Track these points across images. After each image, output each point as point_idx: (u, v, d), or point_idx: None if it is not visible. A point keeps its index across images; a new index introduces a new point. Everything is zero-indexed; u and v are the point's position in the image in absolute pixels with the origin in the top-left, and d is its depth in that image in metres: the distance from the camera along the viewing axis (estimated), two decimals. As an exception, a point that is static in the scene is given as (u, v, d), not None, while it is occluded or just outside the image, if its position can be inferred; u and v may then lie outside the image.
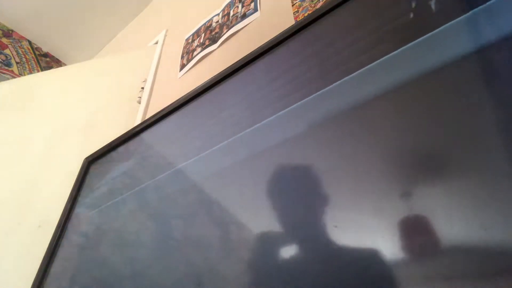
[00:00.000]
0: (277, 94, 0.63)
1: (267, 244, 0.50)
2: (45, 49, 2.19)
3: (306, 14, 0.80)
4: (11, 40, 2.00)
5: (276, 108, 0.61)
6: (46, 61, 2.18)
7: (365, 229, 0.41)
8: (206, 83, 0.81)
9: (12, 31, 2.03)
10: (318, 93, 0.56)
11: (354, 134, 0.49)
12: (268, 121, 0.61)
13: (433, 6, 0.49)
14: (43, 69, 2.13)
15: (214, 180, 0.64)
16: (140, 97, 1.25)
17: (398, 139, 0.45)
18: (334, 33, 0.62)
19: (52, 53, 2.22)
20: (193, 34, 1.28)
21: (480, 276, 0.33)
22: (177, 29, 1.47)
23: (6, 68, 1.93)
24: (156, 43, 1.56)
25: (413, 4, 0.51)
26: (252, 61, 0.74)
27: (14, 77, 1.93)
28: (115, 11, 2.08)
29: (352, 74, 0.53)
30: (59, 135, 1.17)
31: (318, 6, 0.78)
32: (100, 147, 0.99)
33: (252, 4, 1.03)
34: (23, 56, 2.04)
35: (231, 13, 1.10)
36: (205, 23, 1.24)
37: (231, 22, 1.07)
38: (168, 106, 0.88)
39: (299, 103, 0.58)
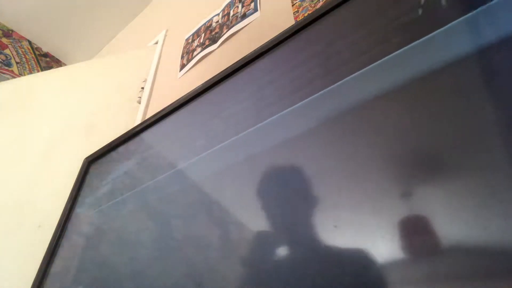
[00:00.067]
0: (277, 94, 0.64)
1: (267, 244, 0.50)
2: (45, 49, 2.19)
3: (306, 14, 0.80)
4: (11, 40, 2.00)
5: (276, 108, 0.61)
6: (46, 61, 2.18)
7: (365, 228, 0.41)
8: (206, 83, 0.81)
9: (12, 31, 2.03)
10: (318, 93, 0.56)
11: (354, 134, 0.49)
12: (269, 121, 0.61)
13: (433, 6, 0.49)
14: (43, 69, 2.13)
15: (215, 180, 0.64)
16: (140, 97, 1.24)
17: (398, 139, 0.45)
18: (334, 33, 0.62)
19: (52, 53, 2.22)
20: (193, 34, 1.28)
21: (480, 276, 0.33)
22: (177, 29, 1.47)
23: (6, 68, 1.93)
24: (156, 43, 1.56)
25: (413, 4, 0.51)
26: (252, 61, 0.74)
27: (14, 77, 1.93)
28: (115, 11, 2.08)
29: (352, 74, 0.53)
30: (59, 135, 1.17)
31: (318, 6, 0.78)
32: (100, 147, 0.99)
33: (252, 4, 1.03)
34: (23, 56, 2.04)
35: (231, 13, 1.10)
36: (205, 23, 1.24)
37: (231, 22, 1.07)
38: (168, 106, 0.88)
39: (299, 103, 0.58)
